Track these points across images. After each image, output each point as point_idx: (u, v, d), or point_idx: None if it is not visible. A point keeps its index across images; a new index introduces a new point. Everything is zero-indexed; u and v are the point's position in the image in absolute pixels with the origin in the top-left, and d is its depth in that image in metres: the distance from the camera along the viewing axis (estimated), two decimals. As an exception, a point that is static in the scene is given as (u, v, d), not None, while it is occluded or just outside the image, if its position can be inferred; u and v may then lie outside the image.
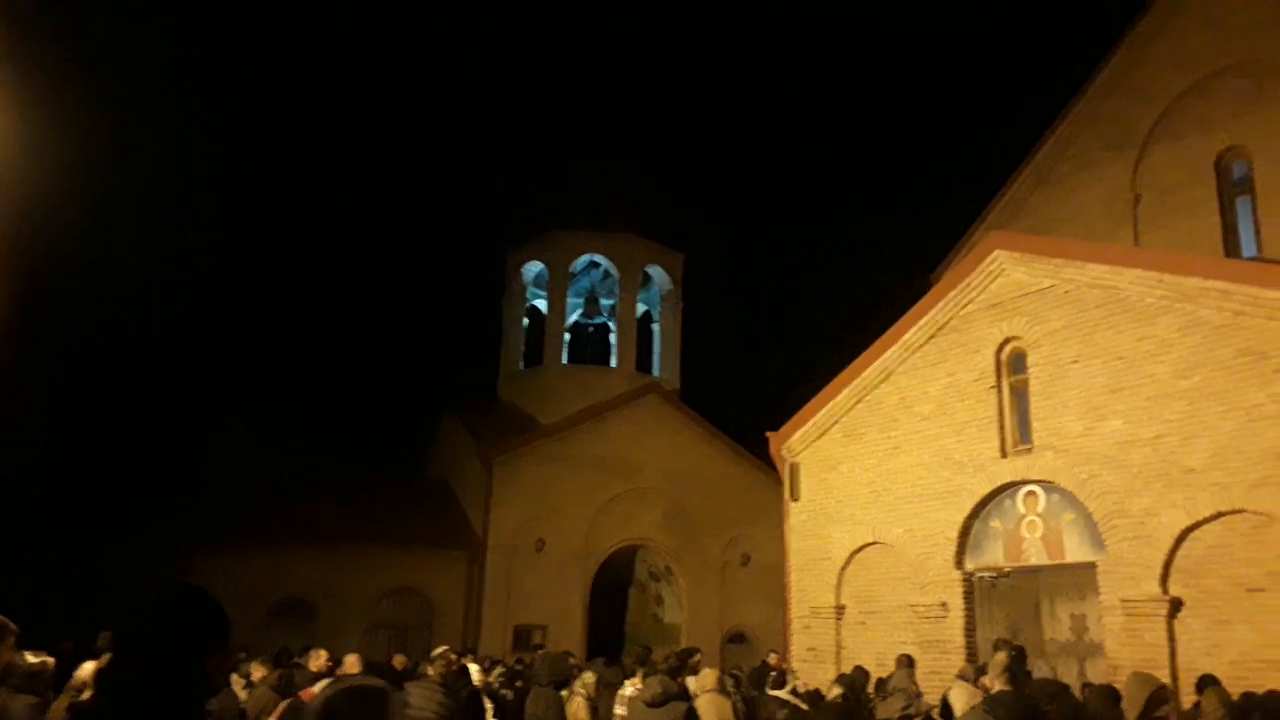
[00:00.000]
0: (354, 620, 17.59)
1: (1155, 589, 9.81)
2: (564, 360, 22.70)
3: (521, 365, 23.14)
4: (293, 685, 7.08)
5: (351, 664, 7.39)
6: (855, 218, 42.48)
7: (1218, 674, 8.39)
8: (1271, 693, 7.63)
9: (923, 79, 45.38)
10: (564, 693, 8.48)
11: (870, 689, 10.01)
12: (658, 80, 47.15)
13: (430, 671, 7.42)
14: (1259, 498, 9.18)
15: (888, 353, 13.13)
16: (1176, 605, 9.70)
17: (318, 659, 6.98)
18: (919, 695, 8.61)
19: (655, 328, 23.78)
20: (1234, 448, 9.46)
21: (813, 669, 12.65)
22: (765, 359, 35.03)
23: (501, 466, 19.59)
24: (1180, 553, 9.76)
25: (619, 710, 8.29)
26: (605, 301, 23.41)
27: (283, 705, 5.98)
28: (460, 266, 40.10)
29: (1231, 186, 15.38)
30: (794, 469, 14.35)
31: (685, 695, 7.75)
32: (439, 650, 8.11)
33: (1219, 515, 9.51)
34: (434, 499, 20.67)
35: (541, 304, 23.40)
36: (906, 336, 12.90)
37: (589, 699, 8.54)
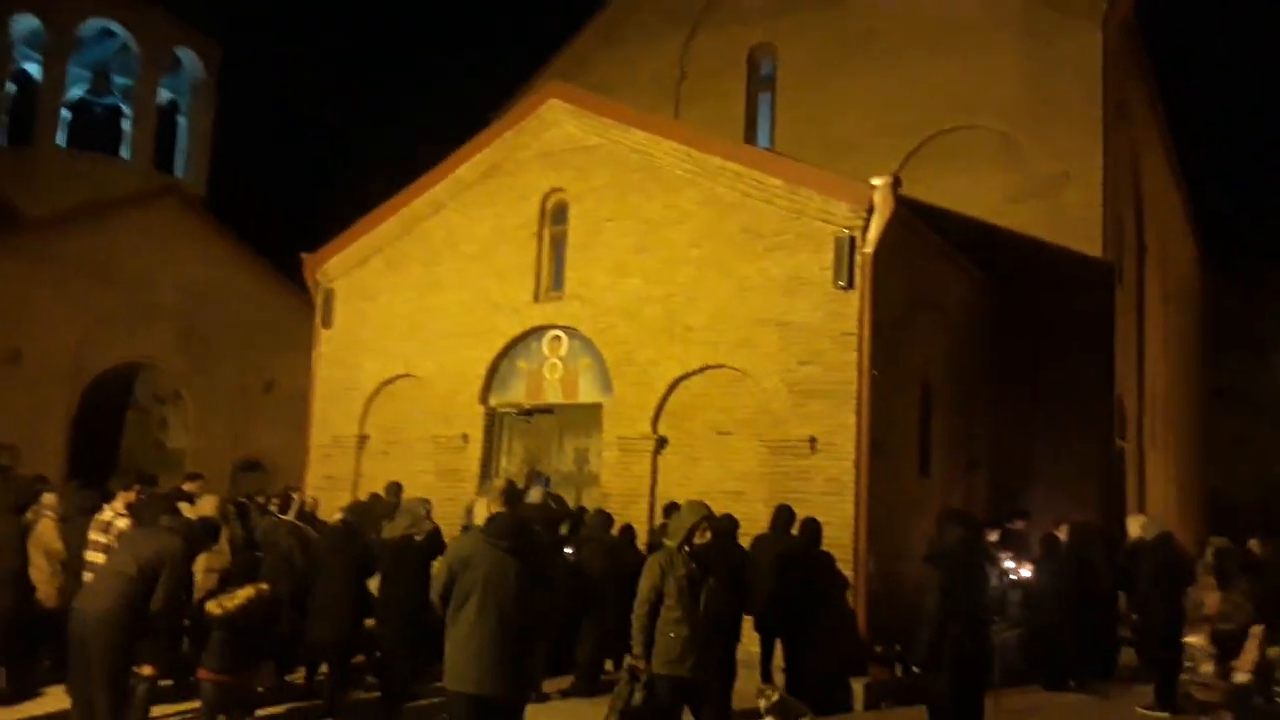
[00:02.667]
0: None
1: (647, 429, 11.10)
2: (61, 143, 19.08)
3: (5, 142, 19.07)
4: None
5: None
6: (423, 44, 40.80)
7: (684, 501, 9.82)
8: (725, 515, 9.12)
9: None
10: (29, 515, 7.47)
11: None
12: None
13: None
14: (738, 356, 10.69)
15: (439, 186, 12.90)
16: (662, 443, 11.08)
17: None
18: (426, 516, 8.90)
19: (181, 121, 20.87)
20: (725, 312, 10.83)
21: (330, 496, 12.52)
22: (308, 176, 32.69)
23: (-36, 261, 16.19)
24: (671, 399, 11.10)
25: (94, 535, 7.49)
26: (121, 81, 19.94)
27: None
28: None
29: (758, 81, 17.19)
30: (329, 295, 13.73)
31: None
32: None
33: (705, 369, 10.92)
34: None
35: (35, 69, 19.28)
36: (459, 172, 12.75)
37: (57, 520, 7.63)
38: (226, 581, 6.88)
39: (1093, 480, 13.83)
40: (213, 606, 6.15)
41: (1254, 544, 11.09)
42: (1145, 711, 9.01)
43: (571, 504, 11.79)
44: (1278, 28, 44.21)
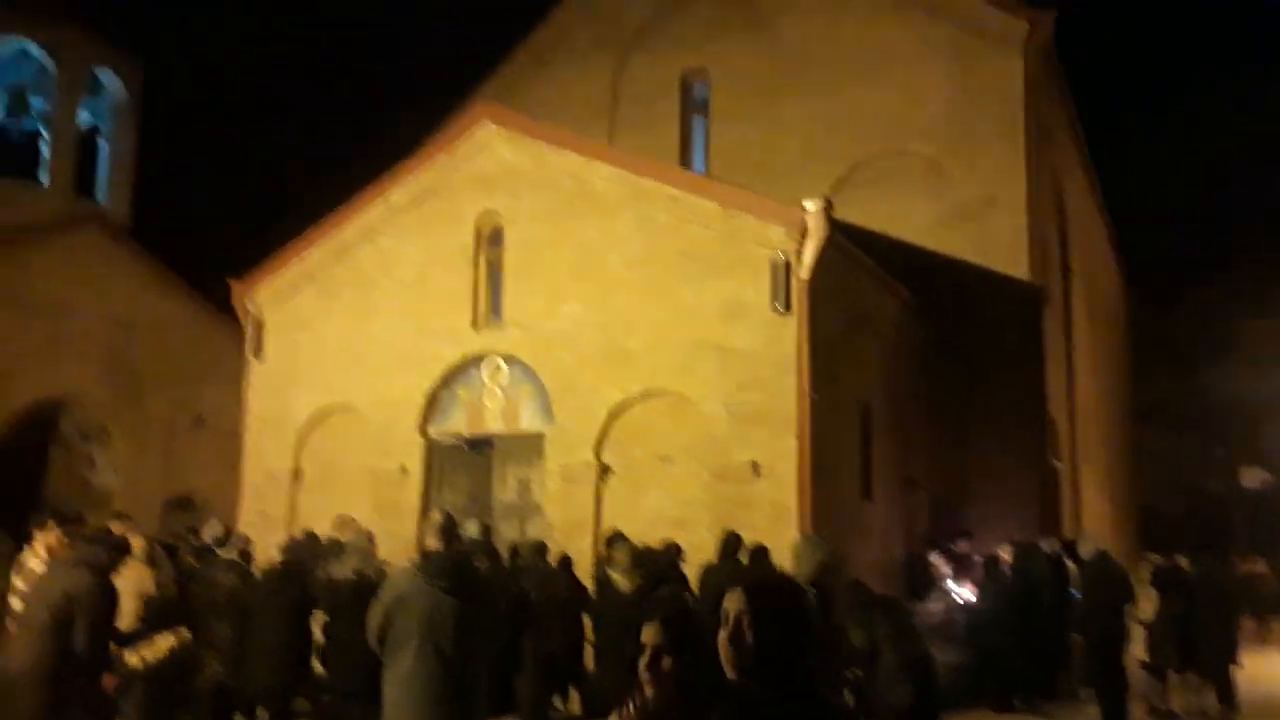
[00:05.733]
0: None
1: (590, 457, 10.98)
2: (-25, 170, 18.38)
3: (-88, 166, 18.31)
4: None
5: None
6: (353, 65, 40.29)
7: (632, 531, 9.69)
8: (669, 543, 9.04)
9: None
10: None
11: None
12: None
13: None
14: (679, 381, 10.65)
15: (371, 211, 12.67)
16: (606, 471, 10.97)
17: None
18: (373, 554, 8.68)
19: (103, 145, 20.26)
20: (664, 337, 10.80)
21: (263, 534, 12.12)
22: (237, 199, 31.83)
23: None
24: (614, 426, 11.01)
25: (15, 581, 7.10)
26: (39, 104, 19.30)
27: None
28: None
29: (693, 105, 17.28)
30: (259, 324, 13.37)
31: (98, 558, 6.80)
32: None
33: (647, 395, 10.87)
34: None
35: (-55, 92, 18.56)
36: (391, 197, 12.55)
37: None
38: (148, 625, 6.56)
39: (1029, 498, 14.06)
40: (133, 659, 5.84)
41: (1183, 561, 11.35)
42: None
43: (516, 534, 11.59)
44: (1187, 49, 46.17)
